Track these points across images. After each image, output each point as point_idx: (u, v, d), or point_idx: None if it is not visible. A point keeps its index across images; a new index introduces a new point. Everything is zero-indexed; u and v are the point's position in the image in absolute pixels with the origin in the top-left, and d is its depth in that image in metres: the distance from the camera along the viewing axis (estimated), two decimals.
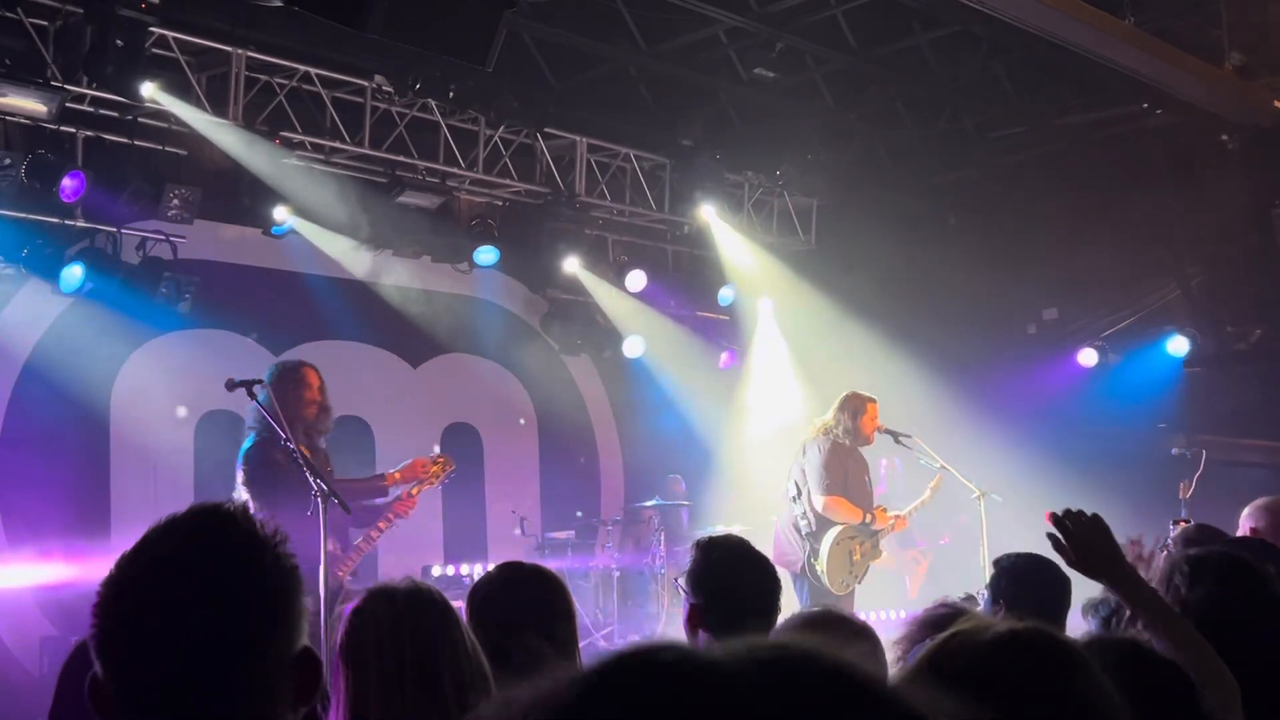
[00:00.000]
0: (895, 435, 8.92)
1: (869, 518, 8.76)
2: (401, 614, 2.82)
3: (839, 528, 8.66)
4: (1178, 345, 12.01)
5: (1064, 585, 4.03)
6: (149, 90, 8.34)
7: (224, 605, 1.62)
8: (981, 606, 4.14)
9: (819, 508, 8.69)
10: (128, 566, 1.66)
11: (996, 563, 4.32)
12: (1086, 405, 11.84)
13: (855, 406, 8.89)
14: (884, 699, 0.77)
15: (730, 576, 3.72)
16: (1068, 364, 12.19)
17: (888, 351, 11.81)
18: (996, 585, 4.16)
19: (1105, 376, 12.07)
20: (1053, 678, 1.65)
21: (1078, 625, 3.91)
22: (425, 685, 2.74)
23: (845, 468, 8.80)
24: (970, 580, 7.25)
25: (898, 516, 8.98)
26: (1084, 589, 3.75)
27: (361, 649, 2.80)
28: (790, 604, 5.48)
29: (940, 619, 3.23)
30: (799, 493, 8.81)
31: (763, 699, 0.73)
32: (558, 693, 0.74)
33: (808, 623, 3.37)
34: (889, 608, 10.35)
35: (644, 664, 0.75)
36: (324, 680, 1.72)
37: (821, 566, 8.62)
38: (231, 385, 6.70)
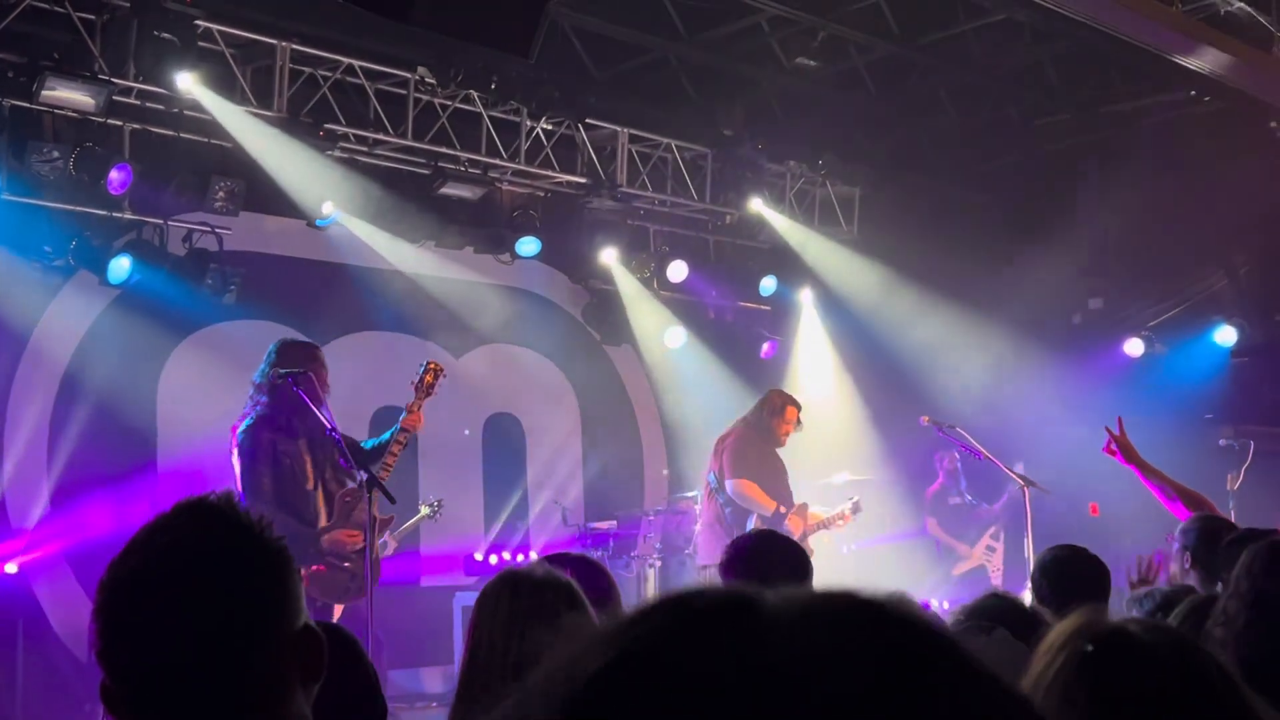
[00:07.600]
0: (939, 426, 8.88)
1: (782, 510, 8.54)
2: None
3: (754, 517, 8.51)
4: (1225, 335, 11.86)
5: (1104, 576, 4.04)
6: (193, 83, 8.40)
7: (215, 599, 1.63)
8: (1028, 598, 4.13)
9: (730, 490, 8.58)
10: (118, 569, 1.67)
11: (1039, 556, 4.31)
12: (1132, 396, 11.71)
13: (775, 404, 8.85)
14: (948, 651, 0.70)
15: (759, 564, 3.77)
16: (1113, 354, 12.06)
17: (930, 342, 11.74)
18: (1040, 578, 4.16)
19: (1151, 367, 11.93)
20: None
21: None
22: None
23: (761, 457, 8.71)
24: (1013, 574, 7.22)
25: (820, 521, 8.75)
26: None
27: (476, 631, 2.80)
28: None
29: (991, 610, 3.23)
30: (718, 485, 8.71)
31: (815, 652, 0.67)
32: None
33: None
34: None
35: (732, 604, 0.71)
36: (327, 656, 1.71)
37: None
38: (279, 376, 6.77)
